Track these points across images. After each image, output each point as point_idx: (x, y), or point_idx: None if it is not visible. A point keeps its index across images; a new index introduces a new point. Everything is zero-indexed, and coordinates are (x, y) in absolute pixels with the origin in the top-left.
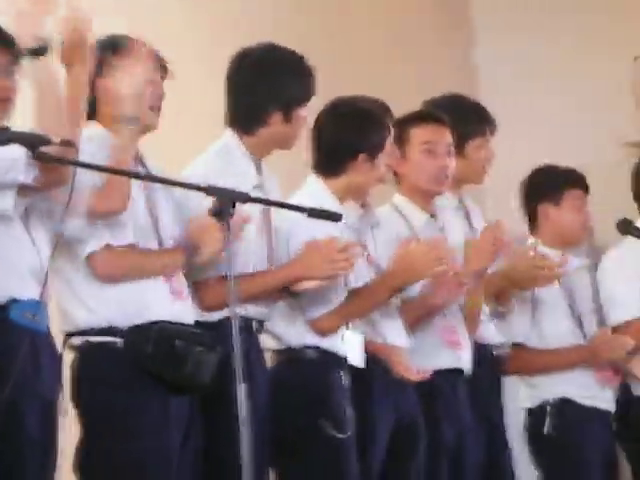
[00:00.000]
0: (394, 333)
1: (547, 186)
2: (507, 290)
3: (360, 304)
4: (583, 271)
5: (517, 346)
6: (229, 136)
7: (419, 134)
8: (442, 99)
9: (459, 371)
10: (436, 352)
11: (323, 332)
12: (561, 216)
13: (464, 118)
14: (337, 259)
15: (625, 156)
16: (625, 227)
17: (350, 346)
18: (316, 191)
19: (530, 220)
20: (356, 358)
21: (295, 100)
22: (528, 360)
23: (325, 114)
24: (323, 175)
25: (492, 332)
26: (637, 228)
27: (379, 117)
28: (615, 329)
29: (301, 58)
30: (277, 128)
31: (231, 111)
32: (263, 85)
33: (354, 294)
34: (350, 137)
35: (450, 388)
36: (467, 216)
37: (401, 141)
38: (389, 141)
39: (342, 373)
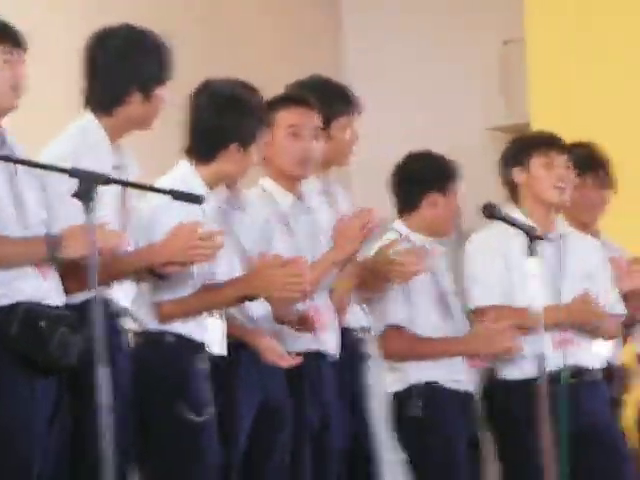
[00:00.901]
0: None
1: (433, 174)
2: (369, 280)
3: (205, 300)
4: (446, 255)
5: (393, 329)
6: (87, 117)
7: (285, 117)
8: (307, 81)
9: (324, 354)
10: (301, 335)
11: (162, 318)
12: (445, 208)
13: (329, 99)
14: (198, 246)
15: (491, 140)
16: (489, 211)
17: (212, 333)
18: (184, 175)
19: (405, 206)
20: (217, 345)
21: (154, 80)
22: (407, 345)
23: (199, 96)
24: (194, 160)
25: (358, 316)
26: (501, 212)
27: (256, 108)
28: (475, 312)
29: (159, 37)
30: (136, 108)
31: (89, 92)
32: (121, 65)
33: (205, 289)
34: (225, 125)
35: (315, 371)
36: (333, 200)
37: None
38: (263, 132)
39: (199, 358)
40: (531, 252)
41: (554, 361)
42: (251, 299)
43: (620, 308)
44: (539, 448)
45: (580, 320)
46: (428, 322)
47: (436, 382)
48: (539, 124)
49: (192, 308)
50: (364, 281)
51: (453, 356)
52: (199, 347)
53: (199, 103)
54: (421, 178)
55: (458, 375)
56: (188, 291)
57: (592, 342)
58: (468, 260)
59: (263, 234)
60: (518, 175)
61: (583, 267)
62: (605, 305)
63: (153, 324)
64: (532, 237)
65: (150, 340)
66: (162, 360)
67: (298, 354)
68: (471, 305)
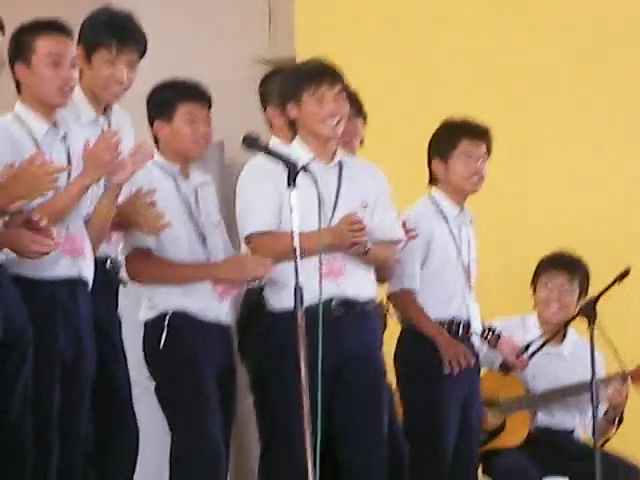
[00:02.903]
0: None
1: (161, 103)
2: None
3: None
4: (207, 186)
5: (139, 251)
6: None
7: (44, 45)
8: (96, 12)
9: (81, 281)
10: (54, 260)
11: None
12: (171, 134)
13: (93, 28)
14: None
15: (258, 73)
16: (250, 142)
17: None
18: None
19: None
20: None
21: None
22: (154, 268)
23: None
24: None
25: (103, 246)
26: (261, 144)
27: None
28: (246, 239)
29: None
30: None
31: None
32: None
33: None
34: None
35: (70, 298)
36: (104, 130)
37: (26, 50)
38: None
39: None
40: (290, 183)
41: (322, 291)
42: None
43: (398, 234)
44: (295, 379)
45: (341, 241)
46: (179, 248)
47: (186, 311)
48: (304, 58)
49: None
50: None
51: (202, 280)
52: None
53: None
54: (148, 107)
55: (209, 304)
56: None
57: (363, 274)
58: (240, 189)
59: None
60: (292, 110)
61: (359, 194)
62: (377, 231)
63: None
64: (292, 169)
65: None
66: None
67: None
68: (243, 232)
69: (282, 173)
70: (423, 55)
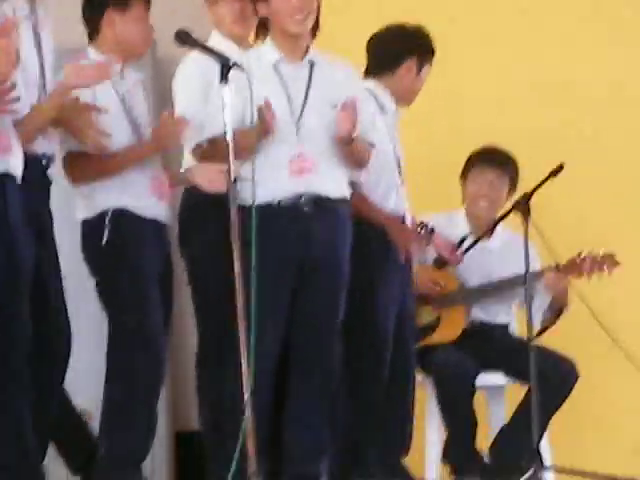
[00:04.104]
0: None
1: None
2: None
3: None
4: (139, 84)
5: (75, 152)
6: None
7: None
8: None
9: (9, 176)
10: None
11: None
12: (125, 26)
13: None
14: None
15: None
16: (182, 37)
17: None
18: None
19: (92, 30)
20: None
21: None
22: (93, 165)
23: None
24: None
25: (39, 142)
26: (193, 39)
27: None
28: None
29: None
30: None
31: None
32: None
33: None
34: None
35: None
36: (35, 27)
37: None
38: None
39: None
40: (224, 80)
41: (291, 188)
42: None
43: (369, 136)
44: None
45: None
46: (115, 142)
47: (126, 208)
48: None
49: None
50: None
51: (137, 161)
52: None
53: None
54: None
55: (148, 202)
56: None
57: (335, 173)
58: (175, 88)
59: None
60: (261, 8)
61: (329, 95)
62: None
63: None
64: (225, 65)
65: None
66: None
67: None
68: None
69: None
70: None
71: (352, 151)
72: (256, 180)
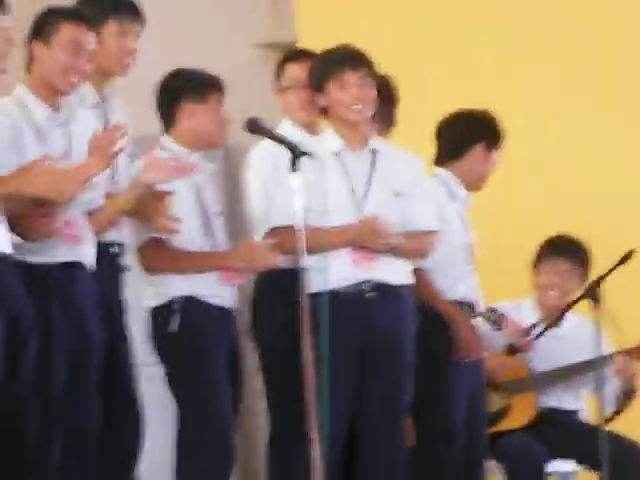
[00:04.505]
0: None
1: (187, 85)
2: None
3: None
4: (213, 174)
5: (152, 242)
6: None
7: (69, 31)
8: None
9: (81, 265)
10: (53, 245)
11: None
12: (203, 117)
13: (98, 4)
14: None
15: (260, 58)
16: (252, 126)
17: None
18: None
19: (167, 120)
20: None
21: None
22: (168, 259)
23: None
24: None
25: (110, 232)
26: (264, 127)
27: None
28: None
29: None
30: None
31: None
32: None
33: None
34: None
35: (68, 281)
36: (105, 113)
37: (50, 30)
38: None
39: None
40: (294, 168)
41: (354, 275)
42: None
43: (431, 225)
44: (301, 361)
45: (365, 242)
46: (188, 238)
47: (195, 296)
48: (307, 42)
49: None
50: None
51: (213, 270)
52: None
53: None
54: (176, 90)
55: (216, 290)
56: None
57: (397, 260)
58: (246, 176)
59: (13, 141)
60: (320, 99)
61: (391, 184)
62: (409, 221)
63: None
64: (295, 153)
65: None
66: None
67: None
68: (265, 225)
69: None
70: (428, 36)
71: (399, 252)
72: (321, 268)
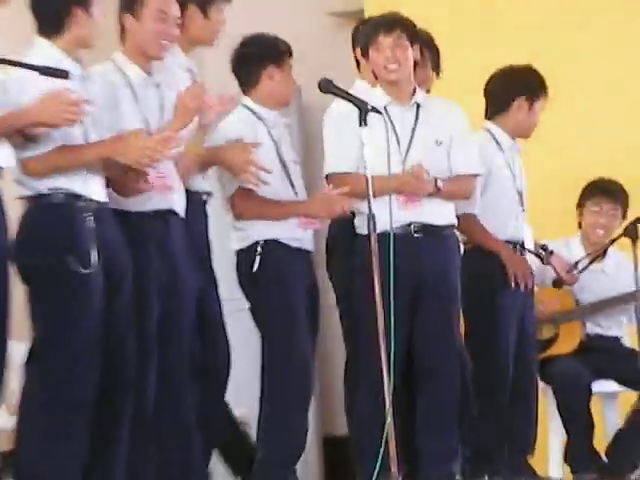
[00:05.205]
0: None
1: (267, 50)
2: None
3: (67, 157)
4: (286, 128)
5: (242, 191)
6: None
7: (154, 2)
8: None
9: (173, 212)
10: (148, 196)
11: (27, 172)
12: (282, 79)
13: None
14: (68, 110)
15: (332, 25)
16: (326, 86)
17: (93, 185)
18: (45, 50)
19: (248, 82)
20: (97, 194)
21: None
22: (256, 206)
23: None
24: (47, 35)
25: (199, 180)
26: (335, 87)
27: None
28: (327, 177)
29: None
30: None
31: None
32: None
33: (65, 147)
34: None
35: (163, 227)
36: (191, 75)
37: (138, 3)
38: None
39: (86, 216)
40: (362, 122)
41: (401, 218)
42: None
43: (472, 169)
44: (369, 295)
45: (409, 191)
46: (271, 186)
47: (277, 239)
48: (371, 11)
49: (54, 163)
50: (212, 160)
51: (295, 216)
52: (85, 201)
53: None
54: (258, 55)
55: (296, 233)
56: (49, 149)
57: (440, 201)
58: (324, 130)
59: (109, 99)
60: (367, 65)
61: (434, 133)
62: (453, 165)
63: (41, 185)
64: (363, 109)
65: (40, 202)
66: (53, 219)
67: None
68: (325, 171)
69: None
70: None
71: (443, 194)
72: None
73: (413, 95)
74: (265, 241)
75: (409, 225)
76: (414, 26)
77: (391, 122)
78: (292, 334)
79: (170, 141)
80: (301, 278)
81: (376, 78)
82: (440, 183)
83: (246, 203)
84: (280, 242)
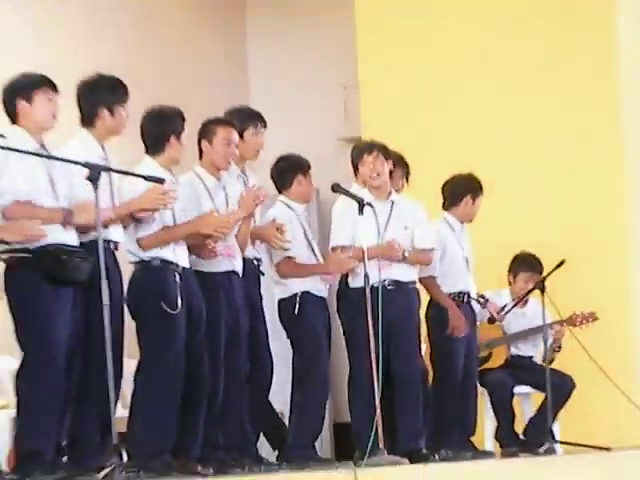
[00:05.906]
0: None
1: (297, 164)
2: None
3: (172, 234)
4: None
5: (286, 259)
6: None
7: (222, 132)
8: (230, 111)
9: (235, 273)
10: (218, 260)
11: (144, 247)
12: (306, 185)
13: (243, 117)
14: (161, 198)
15: (339, 146)
16: (336, 188)
17: (180, 254)
18: (149, 165)
19: (283, 185)
20: (183, 261)
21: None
22: (294, 269)
23: (144, 117)
24: (151, 154)
25: (252, 251)
26: (342, 188)
27: (176, 114)
28: (332, 248)
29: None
30: (106, 122)
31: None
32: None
33: (168, 227)
34: (163, 128)
35: (229, 284)
36: (245, 181)
37: (210, 133)
38: (182, 128)
39: (173, 275)
40: (360, 212)
41: (379, 276)
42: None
43: (428, 244)
44: (367, 332)
45: (387, 256)
46: (302, 255)
47: (308, 291)
48: (367, 136)
49: (163, 239)
50: (256, 236)
51: (321, 274)
52: (174, 265)
53: (144, 119)
54: (290, 167)
55: (319, 286)
56: (155, 229)
57: (406, 265)
58: (333, 216)
59: (193, 197)
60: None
61: (404, 220)
62: (413, 245)
63: (145, 254)
64: (360, 204)
65: (144, 265)
66: (152, 277)
67: (219, 273)
68: (331, 244)
69: (355, 206)
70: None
71: (409, 261)
72: (357, 273)
73: (389, 195)
74: (300, 292)
75: (384, 281)
76: (387, 148)
77: (374, 213)
78: (316, 354)
79: (236, 221)
80: (322, 317)
81: (365, 183)
82: (406, 253)
83: (288, 267)
84: (311, 293)
